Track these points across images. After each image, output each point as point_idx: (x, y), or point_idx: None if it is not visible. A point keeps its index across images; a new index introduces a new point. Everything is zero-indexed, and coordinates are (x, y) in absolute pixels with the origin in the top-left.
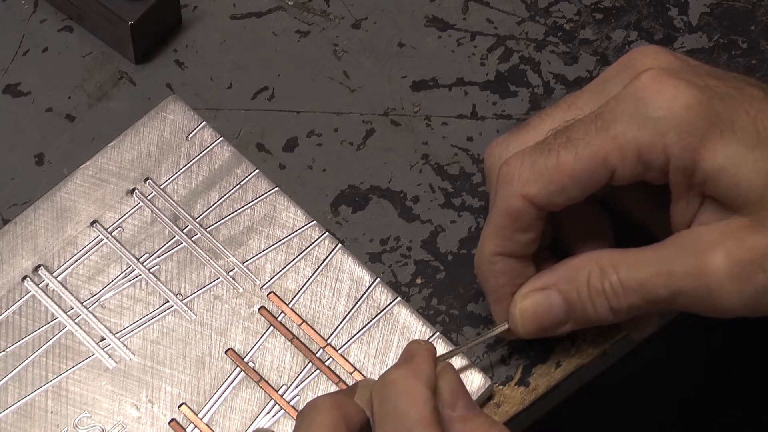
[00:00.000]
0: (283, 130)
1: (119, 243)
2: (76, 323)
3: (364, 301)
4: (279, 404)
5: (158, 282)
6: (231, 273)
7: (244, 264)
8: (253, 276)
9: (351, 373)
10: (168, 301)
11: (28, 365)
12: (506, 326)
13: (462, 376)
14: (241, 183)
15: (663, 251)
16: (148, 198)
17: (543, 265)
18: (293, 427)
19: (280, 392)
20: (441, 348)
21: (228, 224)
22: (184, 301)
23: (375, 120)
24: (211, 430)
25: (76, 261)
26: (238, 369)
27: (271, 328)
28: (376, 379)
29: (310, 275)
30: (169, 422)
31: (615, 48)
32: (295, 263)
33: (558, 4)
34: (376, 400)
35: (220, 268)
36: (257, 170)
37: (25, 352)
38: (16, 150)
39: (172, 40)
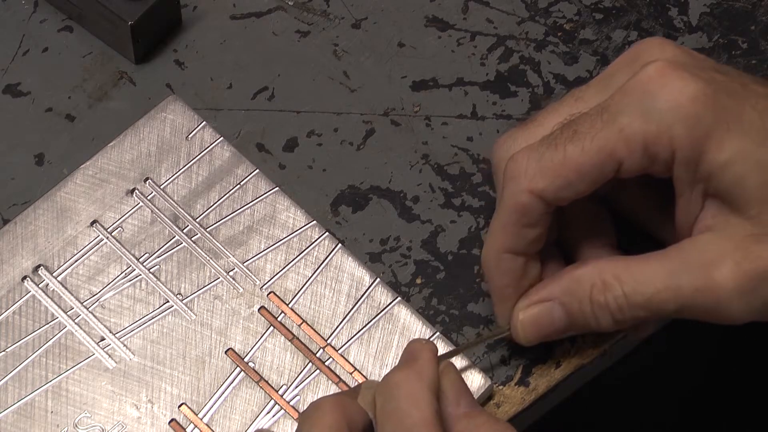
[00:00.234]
0: (283, 130)
1: (119, 243)
2: (76, 323)
3: (364, 301)
4: (279, 404)
5: (158, 282)
6: (231, 273)
7: (244, 264)
8: (253, 276)
9: (351, 373)
10: (168, 301)
11: (28, 365)
12: (507, 332)
13: (462, 376)
14: (241, 183)
15: (669, 263)
16: (148, 198)
17: (548, 263)
18: (295, 427)
19: (280, 392)
20: (441, 348)
21: (228, 224)
22: (184, 301)
23: (375, 120)
24: (211, 430)
25: (76, 261)
26: (238, 369)
27: (271, 328)
28: (378, 379)
29: (310, 275)
30: (169, 422)
31: (615, 48)
32: (295, 263)
33: (558, 4)
34: (379, 402)
35: (220, 268)
36: (257, 170)
37: (25, 352)
38: (16, 150)
39: (172, 40)
